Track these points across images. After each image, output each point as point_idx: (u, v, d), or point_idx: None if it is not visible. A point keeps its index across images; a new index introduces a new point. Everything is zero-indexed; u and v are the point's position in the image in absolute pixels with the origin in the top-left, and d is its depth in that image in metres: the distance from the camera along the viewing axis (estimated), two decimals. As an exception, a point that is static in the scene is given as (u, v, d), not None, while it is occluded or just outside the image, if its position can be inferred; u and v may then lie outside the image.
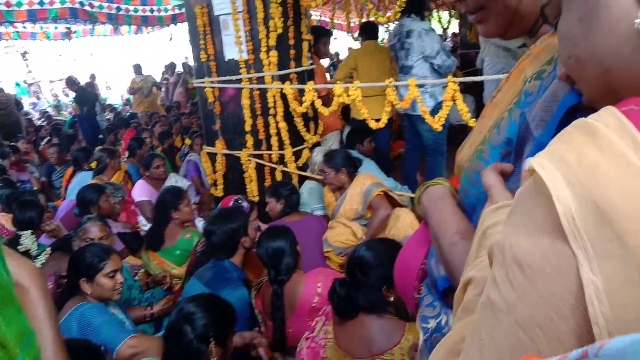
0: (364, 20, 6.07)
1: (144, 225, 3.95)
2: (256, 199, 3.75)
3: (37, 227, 2.95)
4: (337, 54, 11.69)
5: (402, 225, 2.74)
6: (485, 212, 0.61)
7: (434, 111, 3.64)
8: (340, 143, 4.23)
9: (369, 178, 2.93)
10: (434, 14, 7.13)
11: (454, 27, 8.18)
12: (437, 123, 2.84)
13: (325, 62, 4.88)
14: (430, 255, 0.89)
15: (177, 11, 9.60)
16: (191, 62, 11.38)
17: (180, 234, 2.93)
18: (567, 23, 0.49)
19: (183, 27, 10.85)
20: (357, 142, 3.91)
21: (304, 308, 2.05)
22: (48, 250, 2.67)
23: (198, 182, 4.67)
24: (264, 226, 2.57)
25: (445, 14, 7.62)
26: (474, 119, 2.78)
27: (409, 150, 4.39)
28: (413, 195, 3.21)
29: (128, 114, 9.62)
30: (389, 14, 4.25)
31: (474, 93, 6.17)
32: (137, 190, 4.08)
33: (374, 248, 1.66)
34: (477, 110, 6.41)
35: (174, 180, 4.35)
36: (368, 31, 4.73)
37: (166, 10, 9.49)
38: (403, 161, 4.56)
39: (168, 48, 13.02)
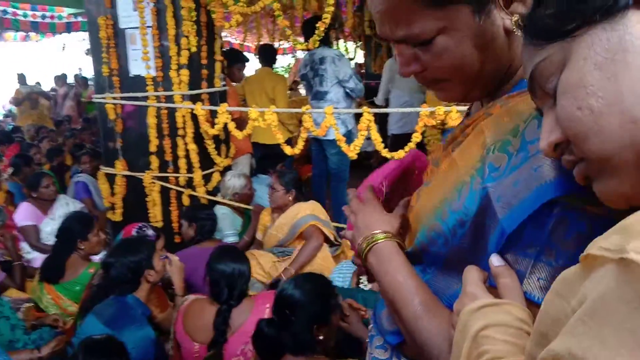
0: (276, 44, 6.11)
1: (28, 252, 3.53)
2: (159, 224, 3.51)
3: None
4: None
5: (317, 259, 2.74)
6: (465, 310, 0.56)
7: (346, 138, 3.72)
8: (251, 167, 4.14)
9: (308, 209, 2.87)
10: (341, 44, 7.34)
11: (360, 57, 8.47)
12: (352, 151, 2.87)
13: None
14: (380, 305, 0.85)
15: (72, 19, 8.96)
16: (85, 74, 10.72)
17: (83, 267, 2.62)
18: (576, 73, 0.46)
19: (78, 37, 10.19)
20: (270, 167, 3.84)
21: (245, 332, 1.93)
22: None
23: (89, 204, 4.28)
24: (171, 256, 2.40)
25: (351, 45, 7.87)
26: (387, 149, 2.85)
27: (316, 175, 4.42)
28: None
29: (10, 127, 8.70)
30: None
31: (377, 122, 6.41)
32: (21, 214, 3.64)
33: (302, 286, 1.60)
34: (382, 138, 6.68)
35: (64, 202, 3.95)
36: (263, 56, 4.70)
37: (60, 17, 8.81)
38: (312, 186, 4.57)
39: (60, 58, 12.10)
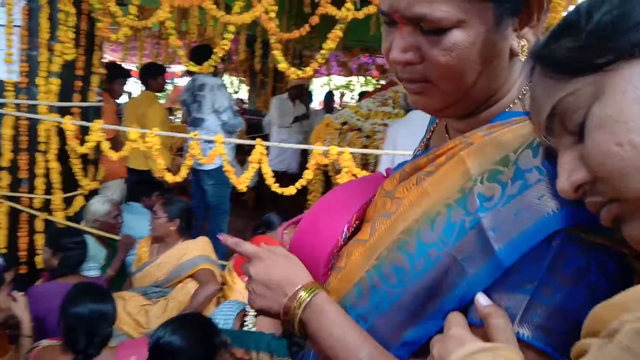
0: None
1: None
2: (2, 251, 3.01)
3: None
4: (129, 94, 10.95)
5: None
6: (453, 357, 0.50)
7: (220, 169, 3.56)
8: (122, 193, 3.78)
9: (197, 248, 2.63)
10: (226, 78, 7.24)
11: (243, 92, 8.43)
12: (241, 184, 2.75)
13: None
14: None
15: None
16: None
17: None
18: (613, 107, 0.44)
19: None
20: (144, 195, 3.54)
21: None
22: None
23: None
24: (15, 293, 2.02)
25: (235, 79, 7.82)
26: (277, 184, 2.78)
27: (194, 208, 4.17)
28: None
29: None
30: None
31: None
32: None
33: (180, 330, 1.42)
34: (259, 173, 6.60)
35: None
36: (143, 79, 4.43)
37: None
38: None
39: None
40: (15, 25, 2.94)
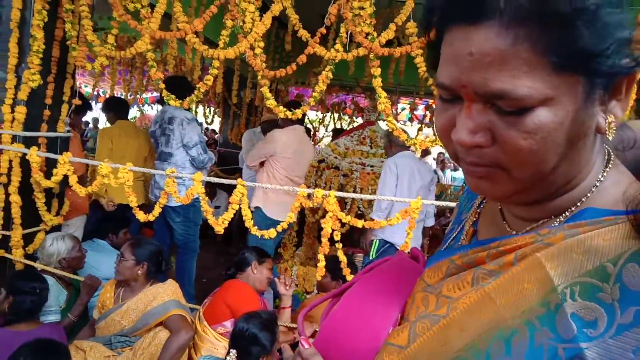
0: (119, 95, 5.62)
1: None
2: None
3: None
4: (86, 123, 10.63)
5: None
6: None
7: (190, 206, 3.39)
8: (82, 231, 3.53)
9: (168, 293, 2.44)
10: (200, 107, 7.10)
11: (216, 124, 8.27)
12: (219, 226, 2.59)
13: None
14: None
15: None
16: None
17: None
18: None
19: None
20: (111, 232, 3.32)
21: None
22: None
23: None
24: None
25: (210, 109, 7.70)
26: (256, 227, 2.64)
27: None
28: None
29: None
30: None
31: (230, 191, 6.17)
32: None
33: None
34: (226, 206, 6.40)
35: None
36: (115, 108, 4.26)
37: None
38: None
39: None
40: (-19, 50, 2.77)
